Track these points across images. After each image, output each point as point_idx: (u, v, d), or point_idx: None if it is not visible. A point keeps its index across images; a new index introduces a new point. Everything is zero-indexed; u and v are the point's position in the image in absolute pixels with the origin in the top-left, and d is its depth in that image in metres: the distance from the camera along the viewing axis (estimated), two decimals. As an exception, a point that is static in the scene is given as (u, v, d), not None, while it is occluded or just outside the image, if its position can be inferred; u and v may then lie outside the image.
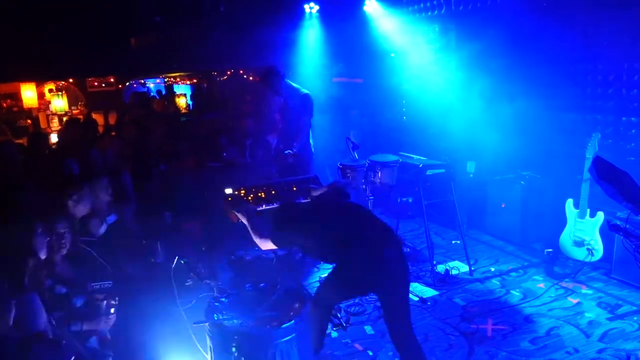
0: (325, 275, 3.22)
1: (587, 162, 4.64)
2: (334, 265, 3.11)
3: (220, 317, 2.84)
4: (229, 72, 12.02)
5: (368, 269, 2.90)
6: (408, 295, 3.05)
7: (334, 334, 3.98)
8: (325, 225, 3.05)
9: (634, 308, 4.20)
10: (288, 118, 5.51)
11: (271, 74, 5.29)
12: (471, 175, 6.31)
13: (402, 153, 5.26)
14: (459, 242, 5.58)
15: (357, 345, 3.83)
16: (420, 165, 4.87)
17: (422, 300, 4.47)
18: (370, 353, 3.72)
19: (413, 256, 5.31)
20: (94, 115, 9.47)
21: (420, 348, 3.03)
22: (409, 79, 7.26)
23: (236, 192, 4.12)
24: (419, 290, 4.65)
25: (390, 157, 4.89)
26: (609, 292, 4.50)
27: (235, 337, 2.70)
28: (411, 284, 4.77)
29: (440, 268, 4.98)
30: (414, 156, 5.21)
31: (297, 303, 2.97)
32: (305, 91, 5.38)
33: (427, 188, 5.00)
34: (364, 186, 4.76)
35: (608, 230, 4.48)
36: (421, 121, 6.99)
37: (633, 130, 4.96)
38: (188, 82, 13.66)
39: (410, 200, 6.54)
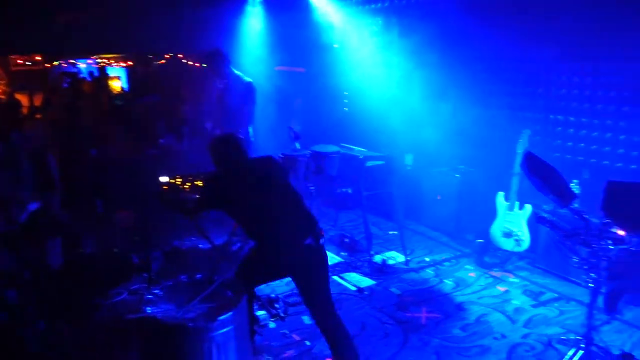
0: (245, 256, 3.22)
1: (517, 157, 4.86)
2: (255, 244, 3.17)
3: (154, 310, 2.73)
4: (167, 56, 11.57)
5: (285, 254, 3.01)
6: (327, 285, 3.11)
7: (272, 325, 3.95)
8: (254, 197, 3.05)
9: (556, 295, 4.47)
10: (228, 106, 5.37)
11: (216, 56, 5.14)
12: (409, 168, 6.46)
13: (343, 144, 5.28)
14: (396, 232, 5.70)
15: (294, 336, 3.82)
16: (361, 157, 4.92)
17: (360, 289, 4.53)
18: (308, 343, 3.72)
19: (351, 246, 5.37)
20: (17, 96, 8.83)
21: (349, 337, 3.07)
22: (352, 70, 7.30)
23: (172, 181, 3.99)
24: (356, 280, 4.71)
25: (332, 148, 4.90)
26: (534, 280, 4.76)
27: (170, 330, 2.61)
28: (349, 274, 4.85)
29: (378, 258, 5.06)
30: (355, 147, 5.26)
31: (235, 294, 2.91)
32: (248, 79, 5.27)
33: (367, 179, 5.07)
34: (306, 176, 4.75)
35: (535, 222, 4.76)
36: (363, 113, 7.04)
37: (559, 128, 5.24)
38: (123, 65, 13.03)
39: (349, 191, 6.59)
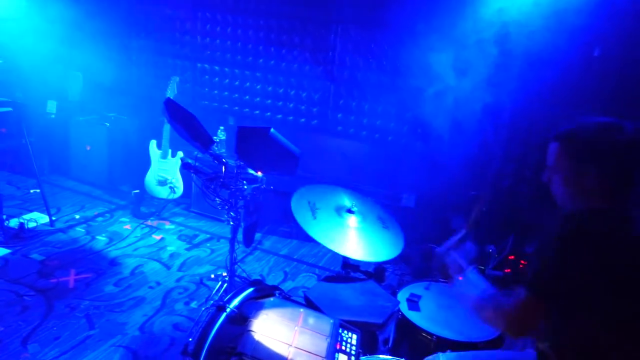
0: None
1: (167, 104, 4.83)
2: None
3: None
4: None
5: None
6: None
7: None
8: None
9: (208, 236, 4.75)
10: None
11: None
12: (53, 116, 5.68)
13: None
14: (38, 190, 4.99)
15: None
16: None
17: (-12, 263, 3.80)
18: None
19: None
20: None
21: None
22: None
23: None
24: (-16, 252, 3.93)
25: None
26: (189, 224, 4.94)
27: None
28: (-27, 246, 4.01)
29: (14, 222, 4.34)
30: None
31: None
32: None
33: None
34: None
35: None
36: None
37: (206, 76, 5.44)
38: None
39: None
